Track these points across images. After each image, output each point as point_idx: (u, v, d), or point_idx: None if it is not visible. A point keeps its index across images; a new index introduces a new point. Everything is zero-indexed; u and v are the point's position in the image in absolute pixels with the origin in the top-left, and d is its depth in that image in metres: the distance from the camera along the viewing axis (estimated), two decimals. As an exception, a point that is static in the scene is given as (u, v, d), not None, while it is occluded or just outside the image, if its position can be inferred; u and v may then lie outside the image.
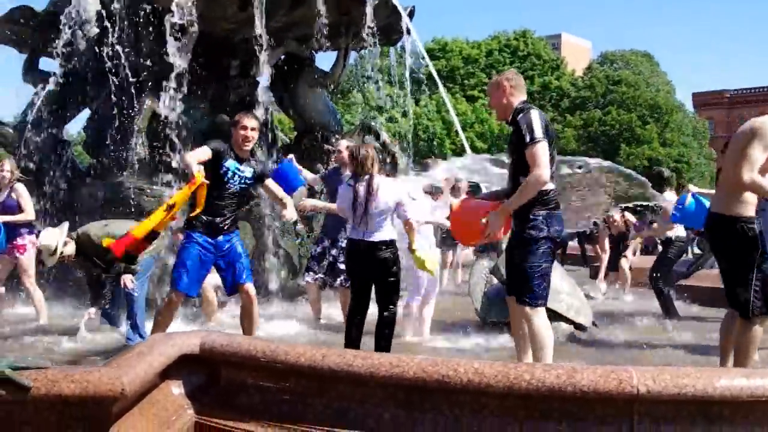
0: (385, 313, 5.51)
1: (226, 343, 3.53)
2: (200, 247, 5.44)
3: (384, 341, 5.51)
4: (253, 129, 5.50)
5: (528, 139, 4.40)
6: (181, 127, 8.19)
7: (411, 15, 9.58)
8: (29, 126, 9.14)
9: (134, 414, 3.11)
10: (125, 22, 8.53)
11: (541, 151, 4.38)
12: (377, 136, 10.42)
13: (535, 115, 4.46)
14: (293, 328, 7.05)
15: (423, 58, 10.77)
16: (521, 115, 4.54)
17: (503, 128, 44.91)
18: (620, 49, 56.11)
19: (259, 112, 8.21)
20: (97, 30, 8.95)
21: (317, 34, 8.36)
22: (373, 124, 10.79)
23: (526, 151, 4.42)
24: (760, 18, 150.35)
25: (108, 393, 2.73)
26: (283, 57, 9.74)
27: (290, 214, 5.73)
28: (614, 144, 47.44)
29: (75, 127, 28.95)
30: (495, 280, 7.47)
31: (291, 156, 7.45)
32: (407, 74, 10.01)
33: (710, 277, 9.19)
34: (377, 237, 5.41)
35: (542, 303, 4.60)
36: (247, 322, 5.58)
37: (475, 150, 44.99)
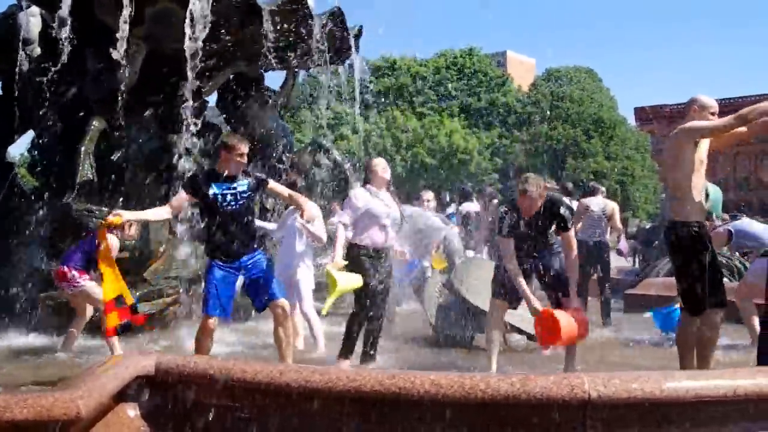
0: None
1: (181, 363, 3.51)
2: (221, 270, 5.43)
3: None
4: (246, 154, 5.60)
5: None
6: (130, 147, 8.10)
7: (359, 34, 9.62)
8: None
9: (89, 438, 3.06)
10: (70, 42, 8.40)
11: None
12: (328, 154, 10.45)
13: None
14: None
15: (368, 77, 10.87)
16: None
17: (452, 143, 45.46)
18: (564, 66, 57.23)
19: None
20: (39, 51, 8.80)
21: (265, 53, 8.35)
22: (324, 142, 10.82)
23: None
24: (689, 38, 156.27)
25: (63, 417, 2.70)
26: (232, 76, 9.70)
27: (309, 213, 5.84)
28: (560, 158, 48.39)
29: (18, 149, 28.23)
30: (449, 294, 7.53)
31: None
32: (357, 92, 10.06)
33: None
34: None
35: None
36: (284, 334, 5.48)
37: (425, 165, 45.54)
